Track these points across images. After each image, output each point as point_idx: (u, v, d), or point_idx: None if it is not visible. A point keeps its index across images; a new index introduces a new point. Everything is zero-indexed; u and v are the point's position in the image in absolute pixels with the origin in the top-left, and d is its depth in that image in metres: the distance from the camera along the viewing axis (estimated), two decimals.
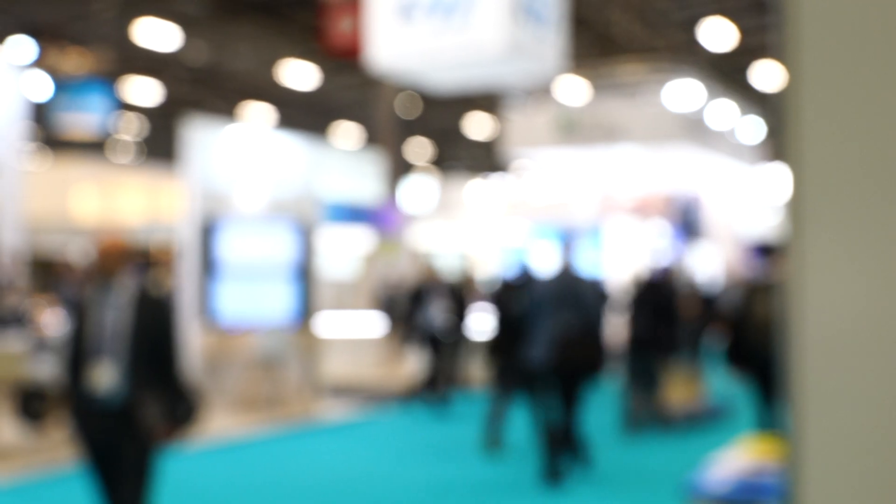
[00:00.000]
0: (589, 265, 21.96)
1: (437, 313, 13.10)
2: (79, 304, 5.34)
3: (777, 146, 2.04)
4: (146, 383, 5.21)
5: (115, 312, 5.23)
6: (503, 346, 10.02)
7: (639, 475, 9.44)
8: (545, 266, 9.47)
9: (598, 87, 22.53)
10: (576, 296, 8.65)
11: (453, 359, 13.84)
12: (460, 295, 14.05)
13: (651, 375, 11.68)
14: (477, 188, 34.72)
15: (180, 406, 5.34)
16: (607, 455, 10.01)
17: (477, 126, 39.69)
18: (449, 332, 13.38)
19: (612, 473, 9.43)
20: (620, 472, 9.50)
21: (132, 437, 5.19)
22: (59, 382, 5.46)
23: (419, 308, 13.29)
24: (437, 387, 13.20)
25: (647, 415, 11.67)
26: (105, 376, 5.13)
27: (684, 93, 21.36)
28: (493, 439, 10.49)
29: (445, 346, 13.36)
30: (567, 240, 9.24)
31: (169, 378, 5.30)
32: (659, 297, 11.80)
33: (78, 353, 5.20)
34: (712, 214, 27.60)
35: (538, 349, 8.57)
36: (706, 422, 12.26)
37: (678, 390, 12.05)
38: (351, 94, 35.25)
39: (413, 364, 17.36)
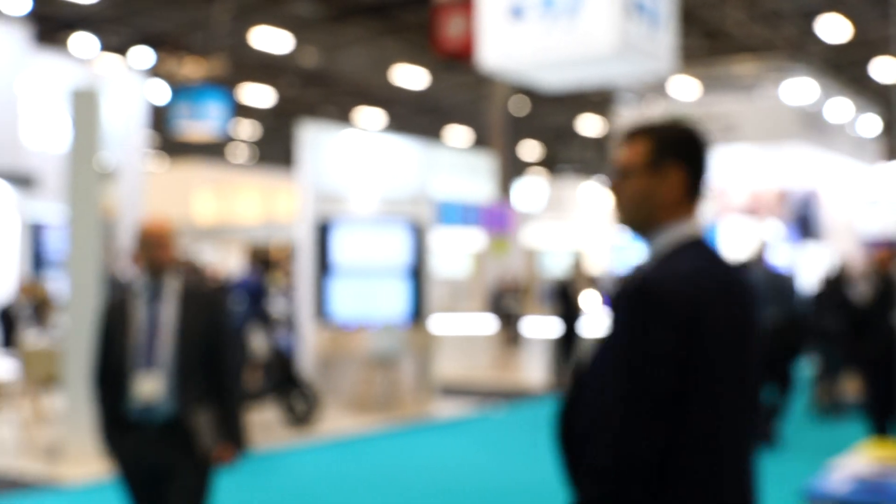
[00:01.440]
0: None
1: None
2: (118, 302, 4.54)
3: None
4: (200, 395, 4.45)
5: (163, 312, 4.46)
6: None
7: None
8: (744, 262, 10.69)
9: (711, 84, 22.27)
10: (778, 290, 9.83)
11: None
12: None
13: (836, 367, 12.23)
14: (588, 187, 34.58)
15: (234, 423, 4.57)
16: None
17: (588, 125, 39.51)
18: None
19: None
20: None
21: (185, 459, 4.40)
22: (89, 394, 4.63)
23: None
24: None
25: (829, 402, 12.27)
26: (152, 387, 4.35)
27: (800, 89, 21.00)
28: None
29: None
30: (765, 240, 10.43)
31: (223, 388, 4.54)
32: (843, 293, 12.30)
33: (116, 359, 4.40)
34: (830, 212, 27.08)
35: None
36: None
37: (859, 381, 12.25)
38: (462, 94, 35.34)
39: (527, 363, 17.36)
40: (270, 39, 27.53)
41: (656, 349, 2.28)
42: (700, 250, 2.48)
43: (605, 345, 2.43)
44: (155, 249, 4.45)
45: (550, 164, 51.31)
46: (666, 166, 2.50)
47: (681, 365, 2.29)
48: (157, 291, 4.48)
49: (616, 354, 2.34)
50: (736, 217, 27.22)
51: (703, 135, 2.57)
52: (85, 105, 9.43)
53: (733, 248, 26.21)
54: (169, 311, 4.45)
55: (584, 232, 30.10)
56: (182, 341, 4.42)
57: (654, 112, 21.63)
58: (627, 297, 2.35)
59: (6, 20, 17.51)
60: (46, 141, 16.04)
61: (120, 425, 4.40)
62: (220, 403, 4.50)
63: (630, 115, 22.25)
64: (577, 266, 15.41)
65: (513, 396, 14.82)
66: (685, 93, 22.25)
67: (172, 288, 4.51)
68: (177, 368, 4.38)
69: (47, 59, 17.02)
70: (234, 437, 4.51)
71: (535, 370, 16.22)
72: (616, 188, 2.55)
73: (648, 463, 2.27)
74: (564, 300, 15.25)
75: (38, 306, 12.33)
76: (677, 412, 2.30)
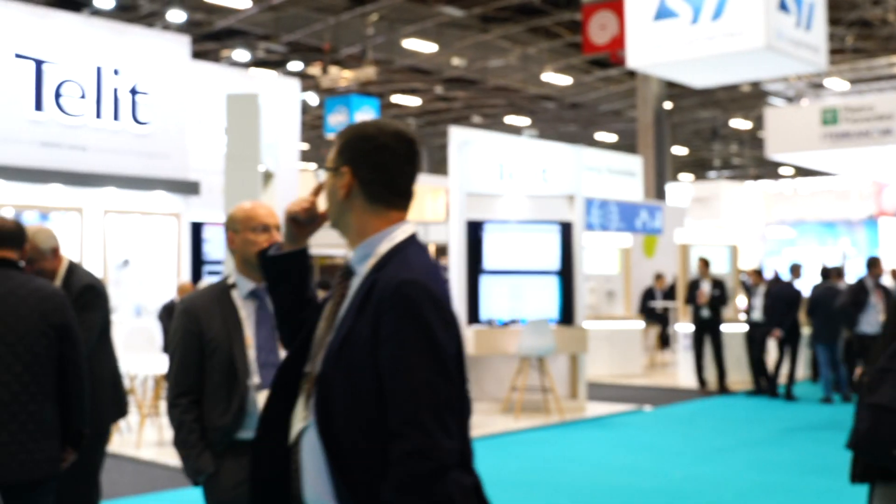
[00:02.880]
0: (859, 264, 21.24)
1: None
2: (211, 303, 3.92)
3: None
4: None
5: (272, 314, 3.76)
6: None
7: None
8: None
9: (865, 80, 21.75)
10: None
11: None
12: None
13: None
14: (740, 185, 34.09)
15: None
16: None
17: (739, 124, 38.93)
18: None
19: None
20: None
21: None
22: (177, 413, 3.87)
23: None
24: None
25: None
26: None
27: None
28: None
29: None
30: None
31: None
32: None
33: (223, 370, 3.81)
34: None
35: None
36: None
37: None
38: (610, 94, 35.21)
39: (676, 362, 17.26)
40: (418, 45, 27.88)
41: (447, 346, 2.36)
42: (418, 248, 2.55)
43: (357, 342, 2.42)
44: (264, 235, 3.88)
45: (701, 162, 50.67)
46: (341, 171, 2.58)
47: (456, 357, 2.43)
48: (260, 290, 3.93)
49: (414, 353, 2.33)
50: (893, 218, 26.53)
51: (395, 140, 2.59)
52: (242, 109, 9.74)
53: (891, 249, 25.56)
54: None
55: (736, 231, 29.68)
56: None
57: (806, 110, 21.22)
58: (401, 297, 2.37)
59: (167, 31, 18.12)
60: (207, 147, 16.67)
61: (226, 448, 3.80)
62: None
63: (782, 112, 21.88)
64: (703, 266, 15.23)
65: (663, 396, 14.76)
66: (840, 89, 21.78)
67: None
68: None
69: (205, 68, 17.62)
70: None
71: (684, 369, 16.10)
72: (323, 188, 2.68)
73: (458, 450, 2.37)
74: (694, 300, 15.15)
75: None
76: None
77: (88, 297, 5.17)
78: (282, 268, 2.78)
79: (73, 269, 5.27)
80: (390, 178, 2.57)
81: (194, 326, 3.82)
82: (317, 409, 2.49)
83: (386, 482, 2.32)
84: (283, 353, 3.51)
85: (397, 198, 2.60)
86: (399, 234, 2.56)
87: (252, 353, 3.82)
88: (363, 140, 2.57)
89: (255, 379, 3.80)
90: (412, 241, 2.58)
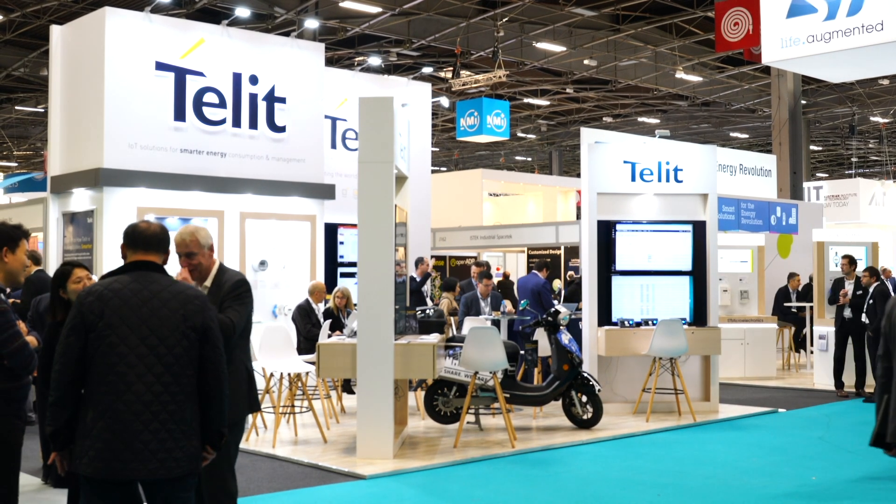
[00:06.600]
0: None
1: None
2: None
3: None
4: None
5: None
6: None
7: None
8: None
9: None
10: None
11: None
12: None
13: None
14: (879, 183, 33.25)
15: None
16: None
17: (874, 121, 38.00)
18: None
19: None
20: None
21: None
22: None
23: None
24: None
25: None
26: None
27: None
28: None
29: None
30: None
31: None
32: None
33: None
34: None
35: None
36: None
37: None
38: (743, 92, 34.68)
39: (809, 363, 16.95)
40: (549, 46, 27.88)
41: None
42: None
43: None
44: None
45: (836, 160, 49.58)
46: None
47: None
48: None
49: None
50: None
51: None
52: (375, 112, 9.91)
53: None
54: None
55: (876, 229, 29.00)
56: None
57: None
58: None
59: (302, 38, 18.47)
60: (344, 150, 17.02)
61: None
62: None
63: None
64: (848, 264, 14.86)
65: (797, 398, 14.52)
66: None
67: None
68: None
69: (338, 74, 17.95)
70: None
71: (820, 371, 15.79)
72: None
73: None
74: (837, 299, 14.81)
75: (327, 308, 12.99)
76: None
77: (243, 289, 5.60)
78: None
79: (223, 268, 5.71)
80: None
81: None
82: None
83: None
84: None
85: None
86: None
87: None
88: None
89: None
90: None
